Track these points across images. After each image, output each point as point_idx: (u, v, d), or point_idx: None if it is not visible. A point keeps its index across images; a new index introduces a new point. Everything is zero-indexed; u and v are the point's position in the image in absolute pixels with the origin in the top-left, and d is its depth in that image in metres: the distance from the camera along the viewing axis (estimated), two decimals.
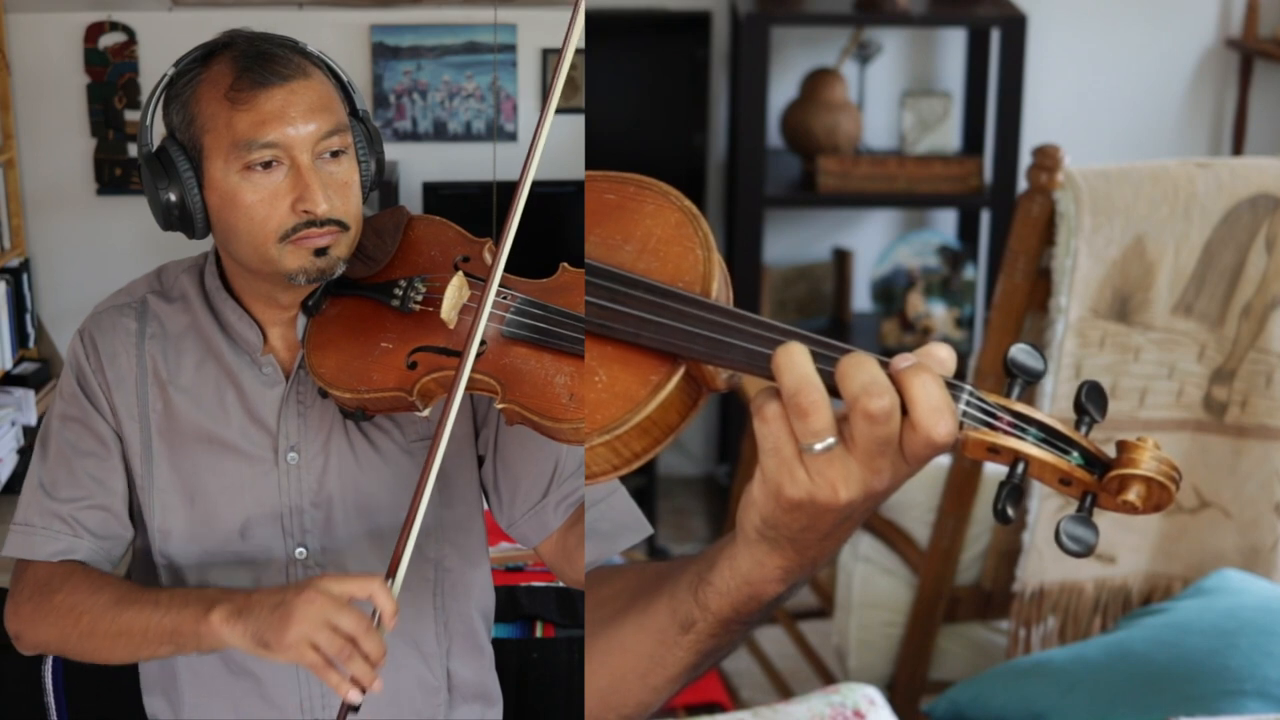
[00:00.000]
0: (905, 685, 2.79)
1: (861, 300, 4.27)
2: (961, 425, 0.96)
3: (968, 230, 4.22)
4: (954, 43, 4.21)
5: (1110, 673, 2.30)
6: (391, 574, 1.41)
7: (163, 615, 1.49)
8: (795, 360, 0.95)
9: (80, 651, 1.58)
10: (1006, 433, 0.97)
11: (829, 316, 4.26)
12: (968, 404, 0.97)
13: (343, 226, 1.49)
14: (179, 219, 1.52)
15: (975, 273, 4.13)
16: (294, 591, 1.41)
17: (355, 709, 1.41)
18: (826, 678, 2.98)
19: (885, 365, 0.96)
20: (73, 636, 1.56)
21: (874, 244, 4.26)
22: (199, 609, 1.46)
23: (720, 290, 1.06)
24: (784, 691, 3.10)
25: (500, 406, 1.37)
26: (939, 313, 4.13)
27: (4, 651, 1.65)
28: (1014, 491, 0.97)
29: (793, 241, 4.26)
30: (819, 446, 0.95)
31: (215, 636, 1.45)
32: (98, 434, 1.62)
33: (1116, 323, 2.46)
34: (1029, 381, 0.99)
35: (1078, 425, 1.00)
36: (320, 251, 1.49)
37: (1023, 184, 2.49)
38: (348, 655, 1.39)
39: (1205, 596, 2.44)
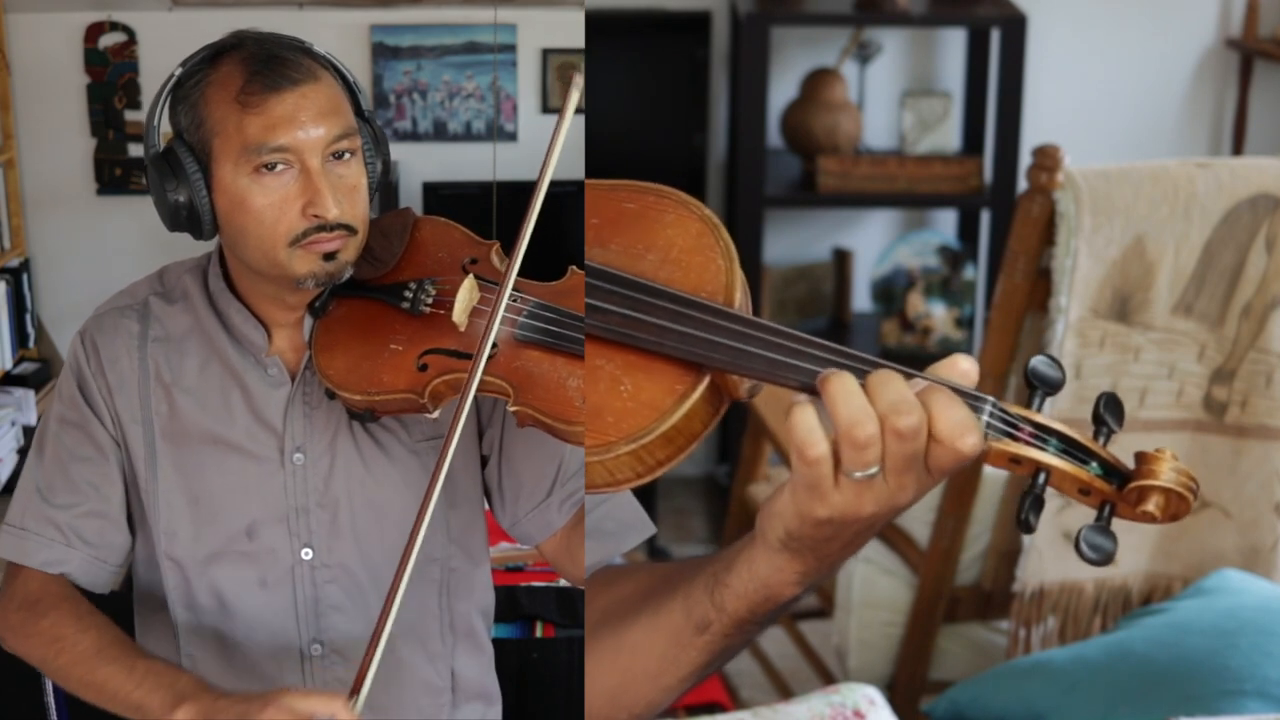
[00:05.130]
0: (905, 685, 2.79)
1: (861, 300, 4.27)
2: (985, 436, 0.98)
3: (968, 230, 4.23)
4: (954, 43, 4.22)
5: (1110, 673, 2.30)
6: (356, 691, 1.39)
7: (133, 689, 1.51)
8: (849, 390, 0.97)
9: (55, 680, 1.62)
10: (1028, 443, 0.99)
11: (829, 316, 4.26)
12: (990, 415, 0.99)
13: (351, 231, 1.49)
14: (187, 220, 1.52)
15: (975, 273, 4.13)
16: (258, 705, 1.41)
17: None
18: (826, 678, 2.98)
19: (909, 377, 0.98)
20: (49, 666, 1.60)
21: (874, 244, 4.27)
22: (166, 699, 1.47)
23: (742, 300, 1.07)
24: (784, 691, 3.10)
25: (513, 409, 1.37)
26: (939, 313, 4.13)
27: (4, 652, 1.65)
28: (1036, 501, 0.99)
29: (793, 241, 4.26)
30: (860, 475, 0.97)
31: None
32: (95, 440, 1.62)
33: (1116, 323, 2.46)
34: (1049, 392, 1.01)
35: (1095, 436, 1.02)
36: (329, 256, 1.49)
37: (1023, 184, 2.50)
38: None
39: (1205, 596, 2.44)
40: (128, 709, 1.51)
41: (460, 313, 1.43)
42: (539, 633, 2.56)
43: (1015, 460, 0.99)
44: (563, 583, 2.57)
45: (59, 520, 1.62)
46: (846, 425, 0.96)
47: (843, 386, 0.97)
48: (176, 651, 1.65)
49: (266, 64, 1.47)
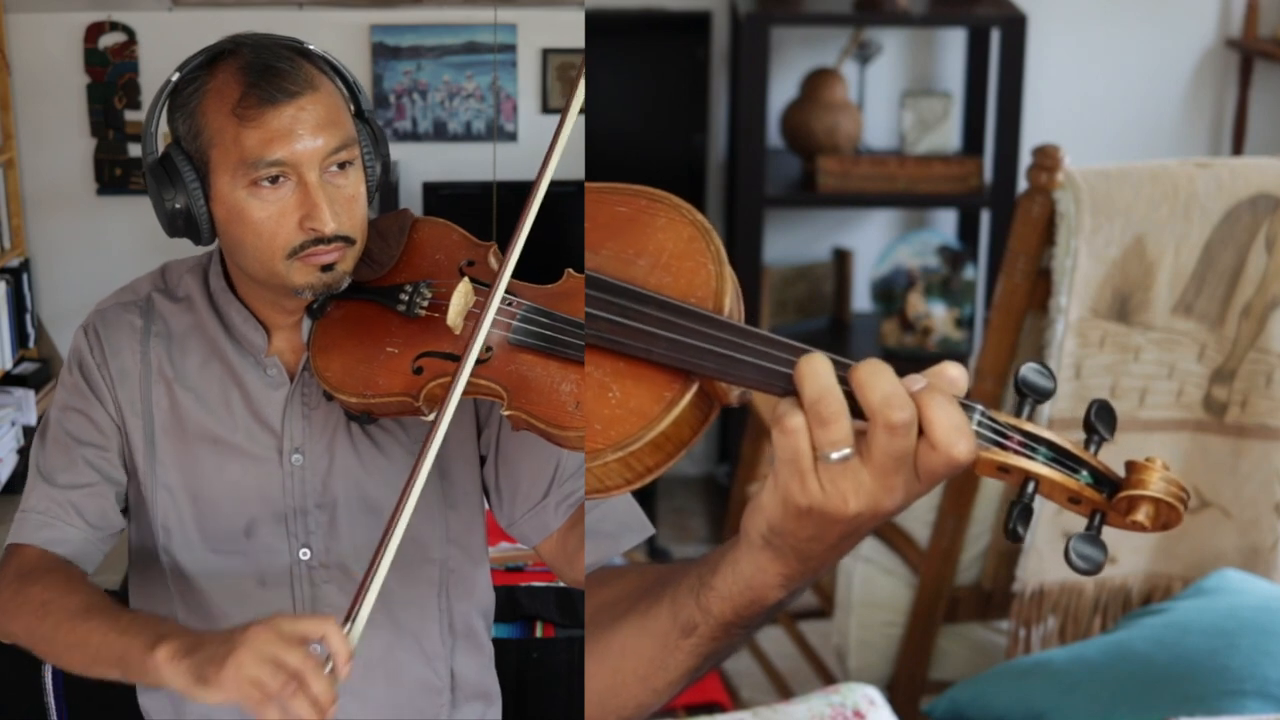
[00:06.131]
0: (905, 685, 2.79)
1: (861, 300, 4.27)
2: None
3: (968, 230, 4.22)
4: (954, 43, 4.22)
5: (1110, 673, 2.30)
6: (350, 619, 1.33)
7: (116, 638, 1.44)
8: (818, 370, 0.97)
9: (42, 652, 1.55)
10: (1017, 452, 0.98)
11: (829, 316, 4.26)
12: (979, 424, 0.98)
13: (349, 241, 1.49)
14: (184, 227, 1.52)
15: (975, 273, 4.13)
16: (242, 629, 1.35)
17: None
18: (826, 678, 2.98)
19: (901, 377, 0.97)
20: (37, 634, 1.53)
21: (874, 244, 4.26)
22: (146, 641, 1.41)
23: (733, 306, 1.06)
24: (784, 691, 3.10)
25: (506, 413, 1.37)
26: (939, 313, 4.13)
27: (4, 652, 1.65)
28: (1025, 511, 0.99)
29: (793, 241, 4.26)
30: (835, 456, 0.96)
31: (156, 673, 1.39)
32: (98, 424, 1.62)
33: (1116, 323, 2.46)
34: (1039, 401, 1.00)
35: (1087, 444, 1.01)
36: (327, 267, 1.49)
37: (1023, 184, 2.49)
38: (291, 693, 1.30)
39: (1205, 596, 2.44)
40: (112, 661, 1.45)
41: (455, 315, 1.43)
42: (539, 633, 2.56)
43: (1004, 469, 0.98)
44: (562, 583, 2.57)
45: (60, 499, 1.60)
46: (810, 400, 0.96)
47: (810, 366, 0.97)
48: None
49: (263, 75, 1.47)
